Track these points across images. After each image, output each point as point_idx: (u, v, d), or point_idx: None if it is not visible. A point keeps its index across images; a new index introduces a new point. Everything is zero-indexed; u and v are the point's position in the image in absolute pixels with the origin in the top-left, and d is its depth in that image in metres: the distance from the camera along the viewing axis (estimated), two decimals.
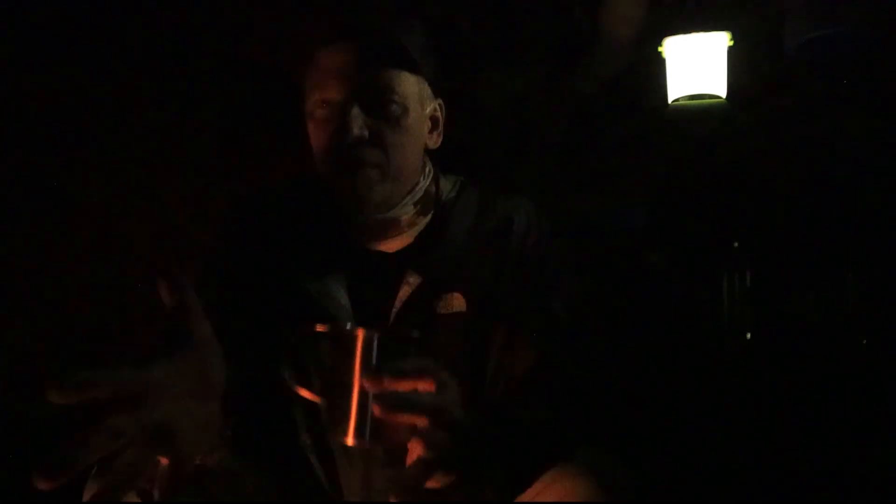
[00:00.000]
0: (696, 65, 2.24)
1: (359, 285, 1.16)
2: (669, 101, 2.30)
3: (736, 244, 2.41)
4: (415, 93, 1.16)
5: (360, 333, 0.87)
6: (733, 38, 2.23)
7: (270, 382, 0.95)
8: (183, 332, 0.81)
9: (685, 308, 2.41)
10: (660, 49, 2.29)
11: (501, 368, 1.14)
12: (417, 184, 1.20)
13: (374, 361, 0.86)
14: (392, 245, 1.19)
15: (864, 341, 2.29)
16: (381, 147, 1.13)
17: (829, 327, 2.34)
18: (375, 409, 0.84)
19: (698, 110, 2.28)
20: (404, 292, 1.14)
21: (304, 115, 1.19)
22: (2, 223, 2.01)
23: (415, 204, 1.19)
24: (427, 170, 1.23)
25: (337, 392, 0.86)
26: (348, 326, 0.89)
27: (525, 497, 0.98)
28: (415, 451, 0.87)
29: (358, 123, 1.11)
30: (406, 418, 0.84)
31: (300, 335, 0.91)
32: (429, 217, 1.21)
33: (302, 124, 1.21)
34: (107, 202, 2.08)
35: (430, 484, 0.87)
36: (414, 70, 1.15)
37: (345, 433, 0.86)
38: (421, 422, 0.85)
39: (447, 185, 1.26)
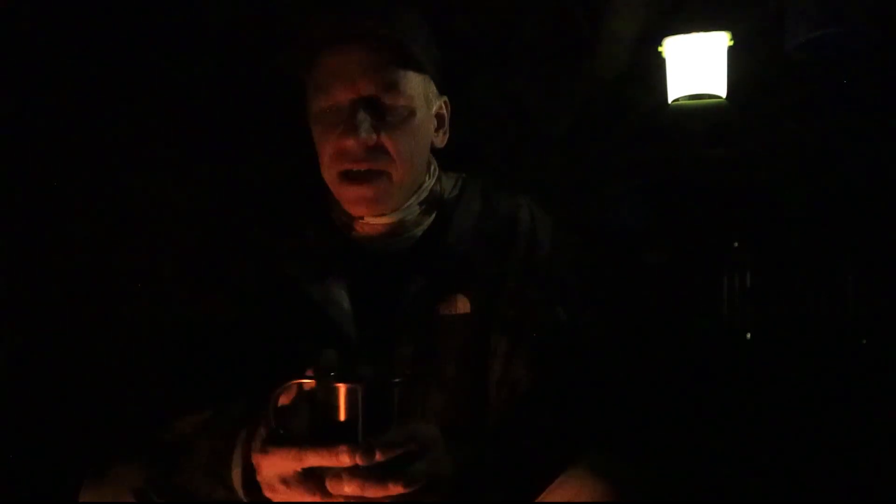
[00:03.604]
0: (696, 65, 2.24)
1: (361, 289, 1.15)
2: (669, 101, 2.30)
3: (736, 244, 2.40)
4: (421, 92, 1.15)
5: (343, 387, 0.88)
6: (733, 38, 2.23)
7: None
8: None
9: (685, 308, 2.40)
10: (660, 49, 2.28)
11: (506, 375, 1.13)
12: (423, 184, 1.19)
13: (360, 412, 0.88)
14: (396, 244, 1.18)
15: (864, 341, 2.29)
16: (390, 153, 1.11)
17: (829, 327, 2.34)
18: (368, 490, 0.85)
19: (698, 110, 2.28)
20: (408, 295, 1.13)
21: (308, 116, 1.18)
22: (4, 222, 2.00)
23: (420, 204, 1.18)
24: (433, 168, 1.22)
25: (325, 443, 0.88)
26: (331, 375, 0.90)
27: (535, 497, 0.98)
28: None
29: (365, 128, 1.09)
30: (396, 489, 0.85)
31: (284, 389, 0.92)
32: (433, 217, 1.20)
33: (303, 124, 1.20)
34: (105, 204, 2.08)
35: None
36: (419, 69, 1.13)
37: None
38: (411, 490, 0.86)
39: (448, 183, 1.25)
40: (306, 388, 0.90)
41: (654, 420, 1.99)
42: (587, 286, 1.25)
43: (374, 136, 1.09)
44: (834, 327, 2.33)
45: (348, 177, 1.12)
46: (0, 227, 2.00)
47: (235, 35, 2.01)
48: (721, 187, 2.45)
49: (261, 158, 1.99)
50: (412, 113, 1.12)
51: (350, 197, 1.13)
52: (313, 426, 0.90)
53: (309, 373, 0.91)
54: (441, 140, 1.22)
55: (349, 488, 0.84)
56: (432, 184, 1.21)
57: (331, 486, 0.85)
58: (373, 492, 0.84)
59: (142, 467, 1.00)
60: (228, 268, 1.19)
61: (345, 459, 0.84)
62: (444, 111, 1.23)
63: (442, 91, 1.22)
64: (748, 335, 2.37)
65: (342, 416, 0.88)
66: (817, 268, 2.38)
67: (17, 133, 2.00)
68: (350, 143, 1.09)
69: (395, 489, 0.84)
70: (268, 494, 0.92)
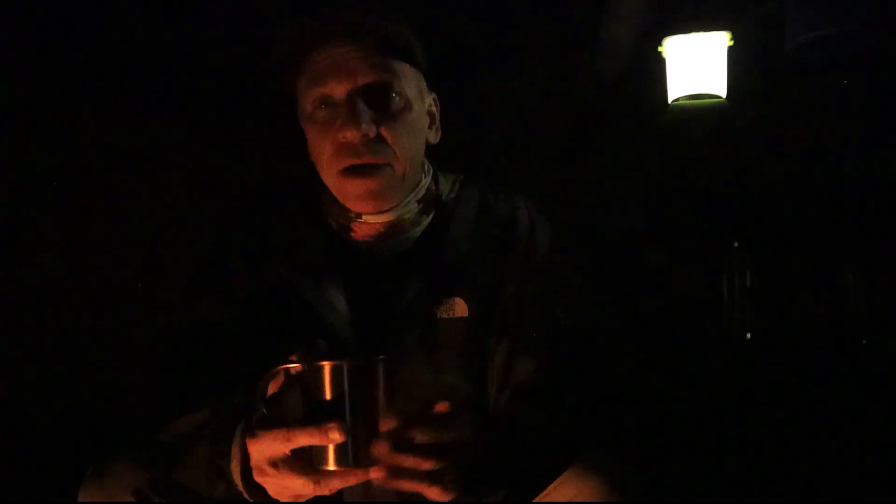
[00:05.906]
0: (696, 65, 2.24)
1: (358, 291, 1.15)
2: (669, 101, 2.30)
3: (736, 244, 2.40)
4: (414, 87, 1.14)
5: (328, 365, 0.90)
6: (733, 38, 2.23)
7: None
8: None
9: (685, 308, 2.40)
10: (660, 49, 2.28)
11: (506, 378, 1.13)
12: (420, 181, 1.19)
13: (345, 390, 0.89)
14: (394, 246, 1.18)
15: (864, 341, 2.28)
16: (390, 145, 1.10)
17: (829, 327, 2.33)
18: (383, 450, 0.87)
19: (698, 110, 2.28)
20: (405, 298, 1.13)
21: (301, 118, 1.17)
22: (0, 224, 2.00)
23: (418, 202, 1.18)
24: (427, 167, 1.22)
25: (313, 422, 0.89)
26: (318, 357, 0.92)
27: (535, 497, 0.98)
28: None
29: (365, 119, 1.07)
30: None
31: (272, 375, 0.93)
32: (430, 217, 1.20)
33: (296, 128, 1.20)
34: (105, 203, 2.08)
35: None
36: (413, 62, 1.13)
37: (325, 461, 0.89)
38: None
39: (446, 185, 1.24)
40: (293, 372, 0.91)
41: (654, 420, 1.99)
42: (586, 287, 1.25)
43: (374, 128, 1.08)
44: (834, 327, 2.33)
45: (351, 172, 1.10)
46: (0, 228, 2.00)
47: (227, 35, 2.01)
48: (721, 187, 2.45)
49: (256, 161, 1.99)
50: (409, 105, 1.12)
51: (354, 192, 1.11)
52: (302, 408, 0.91)
53: (293, 358, 0.92)
54: (434, 136, 1.20)
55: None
56: (428, 182, 1.20)
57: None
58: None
59: (142, 467, 1.00)
60: (224, 269, 1.19)
61: (335, 436, 0.84)
62: (435, 108, 1.21)
63: (431, 88, 1.20)
64: (748, 335, 2.37)
65: (328, 395, 0.88)
66: (817, 268, 2.38)
67: (15, 133, 2.00)
68: (350, 134, 1.07)
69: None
70: (258, 479, 0.92)
